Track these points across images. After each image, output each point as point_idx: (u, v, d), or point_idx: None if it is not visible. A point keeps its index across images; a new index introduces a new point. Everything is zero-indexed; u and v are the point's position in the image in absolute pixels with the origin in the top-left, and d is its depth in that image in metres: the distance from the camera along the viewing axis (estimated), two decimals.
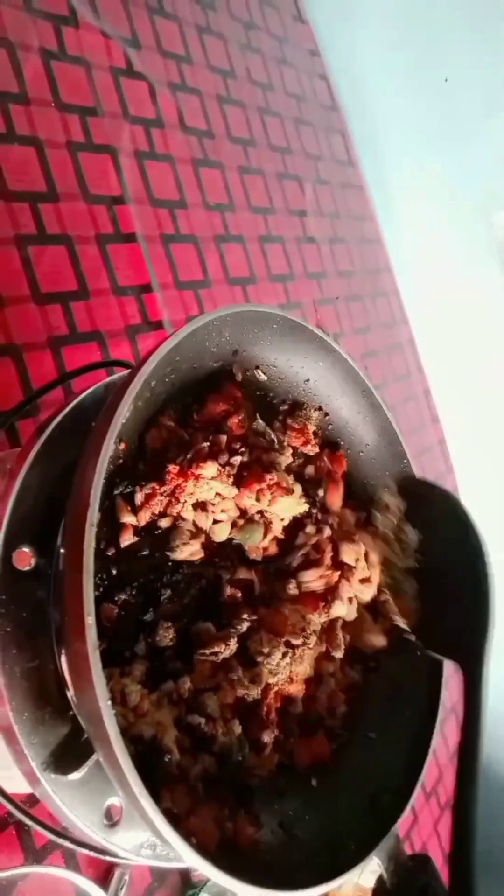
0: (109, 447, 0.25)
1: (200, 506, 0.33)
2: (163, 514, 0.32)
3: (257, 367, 0.40)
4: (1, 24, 0.70)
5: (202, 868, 0.25)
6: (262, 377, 0.41)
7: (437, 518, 0.40)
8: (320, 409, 0.44)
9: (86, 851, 0.34)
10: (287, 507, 0.37)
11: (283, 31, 1.13)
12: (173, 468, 0.31)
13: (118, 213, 0.78)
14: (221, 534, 0.35)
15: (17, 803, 0.32)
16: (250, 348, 0.39)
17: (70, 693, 0.30)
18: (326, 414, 0.44)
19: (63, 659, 0.30)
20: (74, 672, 0.24)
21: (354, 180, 1.22)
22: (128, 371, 0.31)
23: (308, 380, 0.43)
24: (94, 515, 0.24)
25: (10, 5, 0.71)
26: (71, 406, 0.35)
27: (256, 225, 0.99)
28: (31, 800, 0.37)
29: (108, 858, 0.33)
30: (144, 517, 0.31)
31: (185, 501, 0.32)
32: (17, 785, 0.35)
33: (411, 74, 1.20)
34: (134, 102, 0.83)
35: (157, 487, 0.31)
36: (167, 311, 0.81)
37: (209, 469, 0.32)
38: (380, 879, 0.36)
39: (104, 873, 0.61)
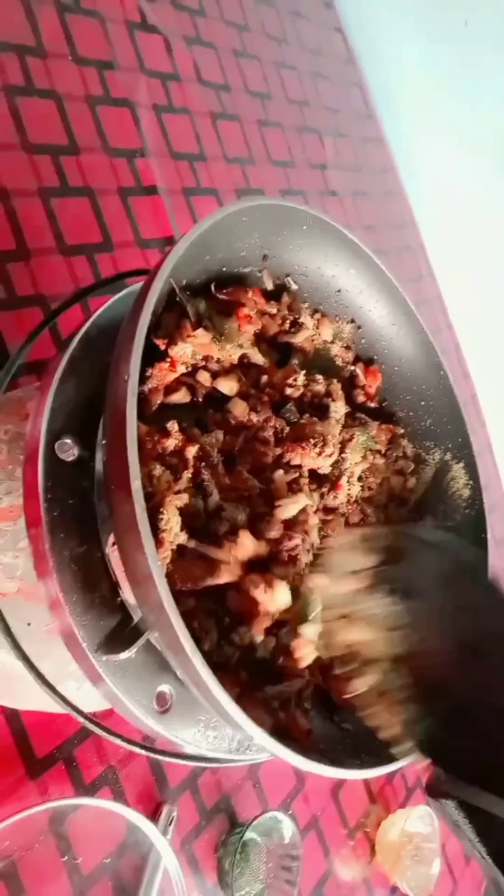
0: (146, 320, 0.25)
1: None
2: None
3: (288, 276, 0.40)
4: None
5: (264, 741, 0.25)
6: (293, 286, 0.40)
7: None
8: (353, 321, 0.44)
9: (140, 750, 0.34)
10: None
11: None
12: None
13: (139, 165, 0.78)
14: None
15: (80, 710, 0.33)
16: (280, 253, 0.38)
17: (119, 582, 0.30)
18: (359, 327, 0.44)
19: (109, 548, 0.30)
20: (123, 538, 0.24)
21: (374, 133, 1.20)
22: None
23: (340, 290, 0.42)
24: (136, 367, 0.24)
25: None
26: (98, 312, 0.35)
27: (277, 178, 0.98)
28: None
29: (163, 756, 0.34)
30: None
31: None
32: (82, 702, 0.36)
33: (428, 20, 1.17)
34: (150, 56, 0.83)
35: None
36: None
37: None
38: (434, 775, 0.36)
39: (154, 810, 0.62)
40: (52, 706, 0.45)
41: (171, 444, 0.29)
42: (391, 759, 0.31)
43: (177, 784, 0.64)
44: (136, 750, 0.34)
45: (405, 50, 1.23)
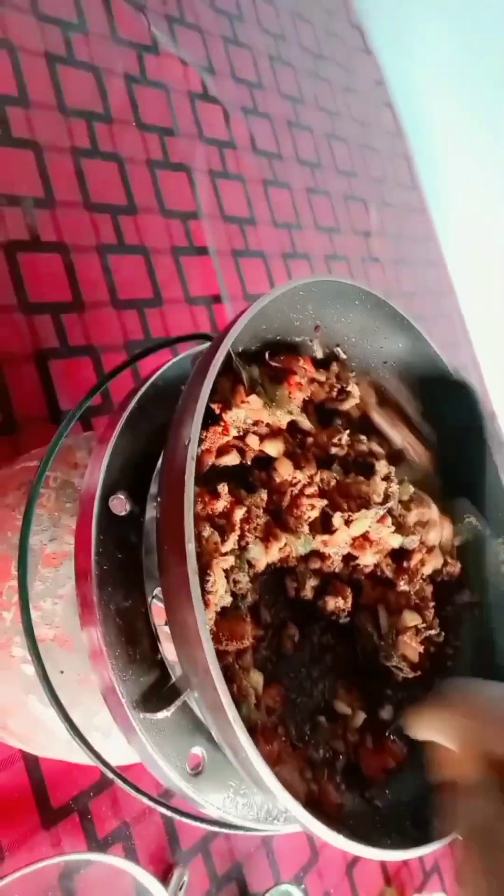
0: (208, 387, 0.26)
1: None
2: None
3: (338, 345, 0.41)
4: (89, 52, 0.75)
5: (297, 812, 0.25)
6: (343, 355, 0.42)
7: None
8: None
9: (165, 810, 0.34)
10: None
11: (349, 61, 1.17)
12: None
13: (192, 227, 0.81)
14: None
15: (107, 762, 0.33)
16: (332, 325, 0.39)
17: (160, 639, 0.31)
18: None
19: (152, 605, 0.31)
20: (173, 598, 0.25)
21: (417, 203, 1.24)
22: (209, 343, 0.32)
23: (386, 361, 0.43)
24: (197, 431, 0.25)
25: (97, 35, 0.76)
26: (159, 373, 0.36)
27: (322, 243, 1.01)
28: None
29: (187, 819, 0.33)
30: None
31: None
32: (106, 757, 0.36)
33: (475, 99, 1.22)
34: (208, 125, 0.87)
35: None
36: None
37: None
38: None
39: (164, 872, 0.61)
40: (75, 756, 0.45)
41: (220, 505, 0.29)
42: (421, 841, 0.31)
43: (189, 847, 0.63)
44: (161, 809, 0.33)
45: (451, 125, 1.27)
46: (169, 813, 0.32)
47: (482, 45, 1.22)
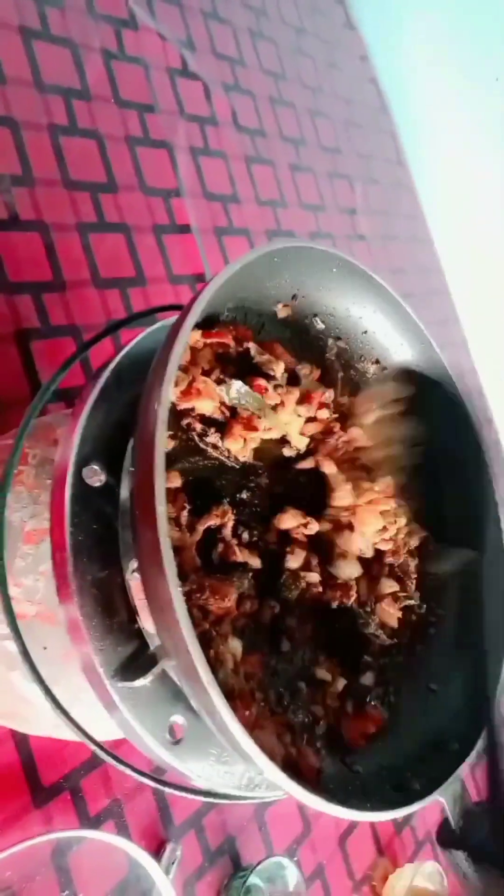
0: (180, 349, 0.26)
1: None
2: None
3: (315, 315, 0.41)
4: (65, 26, 0.73)
5: (274, 776, 0.25)
6: (320, 325, 0.41)
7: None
8: (377, 362, 0.44)
9: (148, 781, 0.34)
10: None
11: (333, 36, 1.16)
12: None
13: (174, 205, 0.80)
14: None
15: (100, 743, 0.33)
16: (310, 293, 0.39)
17: (137, 608, 0.31)
18: (384, 368, 0.44)
19: (129, 574, 0.30)
20: (146, 564, 0.25)
21: (404, 180, 1.23)
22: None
23: (366, 331, 0.43)
24: (165, 410, 0.24)
25: (73, 9, 0.75)
26: (133, 343, 0.36)
27: (307, 221, 1.00)
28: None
29: (170, 789, 0.33)
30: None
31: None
32: (91, 730, 0.36)
33: (460, 74, 1.21)
34: (189, 101, 0.86)
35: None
36: None
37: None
38: (445, 822, 0.35)
39: (157, 847, 0.61)
40: (62, 733, 0.45)
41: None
42: (401, 803, 0.31)
43: (181, 822, 0.63)
44: (146, 781, 0.33)
45: (437, 100, 1.26)
46: (153, 784, 0.32)
47: (467, 19, 1.21)
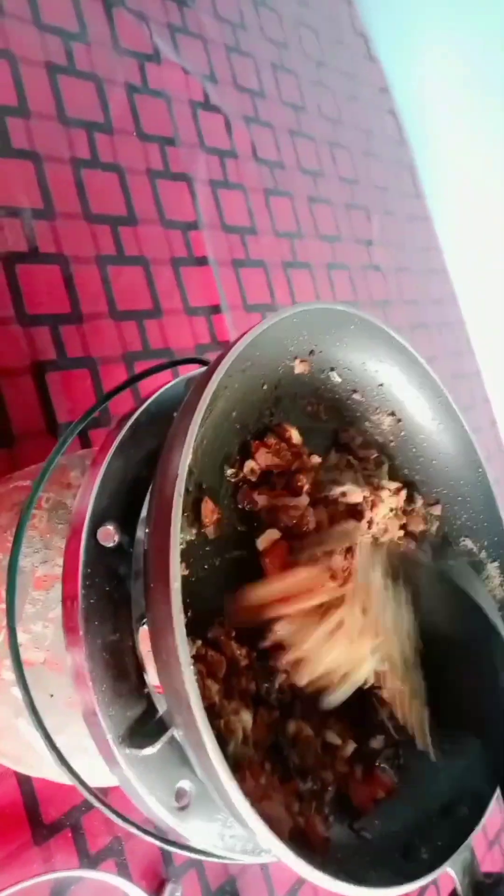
0: (198, 418, 0.26)
1: None
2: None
3: (332, 369, 0.41)
4: (90, 61, 0.74)
5: (279, 852, 0.25)
6: (337, 379, 0.41)
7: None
8: (393, 414, 0.44)
9: (152, 840, 0.34)
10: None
11: (353, 68, 1.17)
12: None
13: (192, 237, 0.81)
14: None
15: (94, 790, 0.33)
16: (327, 349, 0.39)
17: (146, 670, 0.30)
18: (399, 420, 0.44)
19: (140, 636, 0.30)
20: (156, 636, 0.25)
21: (420, 212, 1.23)
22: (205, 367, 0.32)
23: (382, 384, 0.43)
24: (181, 482, 0.24)
25: (98, 44, 0.76)
26: (153, 398, 0.36)
27: (323, 252, 1.01)
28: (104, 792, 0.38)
29: (174, 848, 0.33)
30: None
31: None
32: (94, 777, 0.36)
33: (478, 107, 1.21)
34: (210, 134, 0.87)
35: None
36: (235, 332, 0.83)
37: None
38: (453, 893, 0.35)
39: (157, 887, 0.61)
40: (64, 779, 0.45)
41: None
42: (409, 876, 0.31)
43: (182, 862, 0.62)
44: (150, 839, 0.33)
45: (455, 134, 1.27)
46: (156, 842, 0.32)
47: (487, 54, 1.22)
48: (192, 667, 0.24)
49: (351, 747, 0.35)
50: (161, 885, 0.61)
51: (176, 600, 0.24)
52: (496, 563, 0.46)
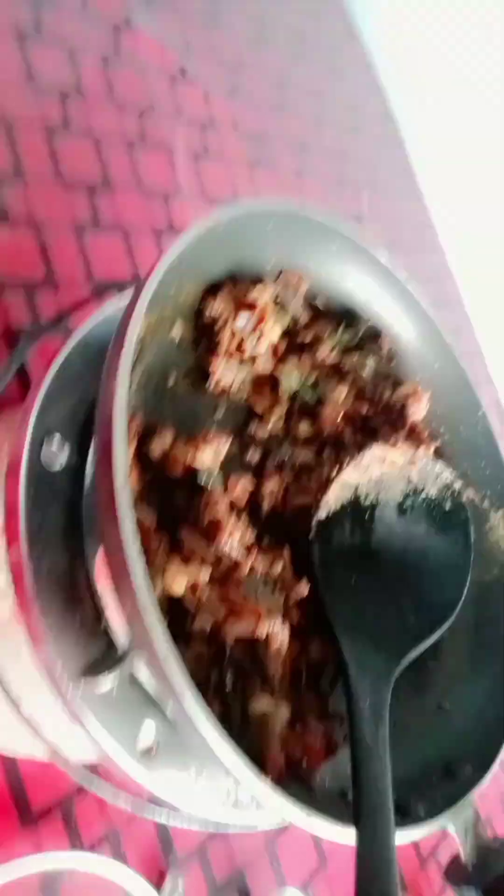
0: (133, 332, 0.23)
1: None
2: None
3: (315, 297, 0.37)
4: (60, 29, 0.73)
5: (257, 790, 0.22)
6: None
7: None
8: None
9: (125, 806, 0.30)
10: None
11: (336, 43, 1.15)
12: None
13: (172, 207, 0.79)
14: None
15: (52, 743, 0.30)
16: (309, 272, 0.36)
17: (105, 608, 0.27)
18: (391, 359, 0.41)
19: (96, 568, 0.27)
20: (108, 545, 0.22)
21: (412, 189, 1.21)
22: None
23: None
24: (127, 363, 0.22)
25: (69, 11, 0.74)
26: (103, 310, 0.33)
27: None
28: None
29: (148, 815, 0.30)
30: None
31: None
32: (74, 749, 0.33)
33: (468, 81, 1.19)
34: (188, 105, 0.85)
35: None
36: None
37: None
38: (456, 857, 0.31)
39: (157, 879, 0.57)
40: (39, 752, 0.42)
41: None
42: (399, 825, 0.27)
43: (184, 853, 0.59)
44: (123, 805, 0.30)
45: (444, 107, 1.24)
46: (126, 806, 0.29)
47: (474, 25, 1.19)
48: (142, 557, 0.21)
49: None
50: (161, 877, 0.58)
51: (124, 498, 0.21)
52: (501, 513, 0.42)
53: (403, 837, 0.27)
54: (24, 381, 0.60)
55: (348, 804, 0.27)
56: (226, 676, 0.25)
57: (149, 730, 0.26)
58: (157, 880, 0.57)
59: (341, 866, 0.69)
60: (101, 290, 0.67)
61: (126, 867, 0.52)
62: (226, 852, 0.61)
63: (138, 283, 0.25)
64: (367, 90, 1.19)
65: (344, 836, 0.24)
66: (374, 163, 1.13)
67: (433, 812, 0.29)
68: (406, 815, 0.30)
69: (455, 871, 0.30)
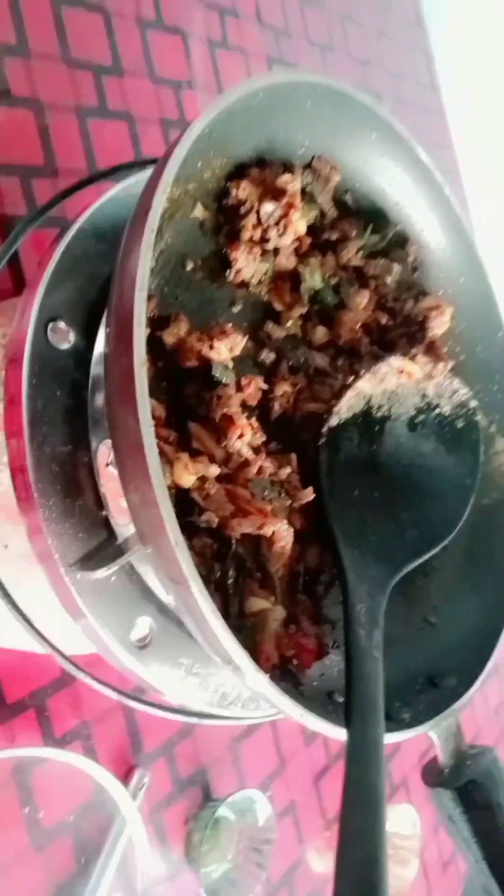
0: (158, 209, 0.21)
1: None
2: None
3: (347, 191, 0.35)
4: None
5: (255, 680, 0.21)
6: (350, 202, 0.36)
7: None
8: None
9: (115, 695, 0.30)
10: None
11: None
12: None
13: (184, 97, 0.74)
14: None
15: (40, 632, 0.29)
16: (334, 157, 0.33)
17: (107, 499, 0.26)
18: (415, 269, 0.39)
19: (99, 457, 0.26)
20: (119, 429, 0.20)
21: (435, 105, 1.15)
22: None
23: (398, 203, 0.37)
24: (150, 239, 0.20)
25: None
26: (118, 188, 0.30)
27: None
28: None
29: (133, 702, 0.30)
30: None
31: None
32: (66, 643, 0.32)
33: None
34: None
35: None
36: None
37: None
38: (433, 761, 0.32)
39: (125, 774, 0.59)
40: (25, 642, 0.42)
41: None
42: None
43: (152, 749, 0.61)
44: (108, 692, 0.30)
45: (475, 22, 1.17)
46: (114, 694, 0.29)
47: None
48: (159, 462, 0.20)
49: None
50: (129, 772, 0.59)
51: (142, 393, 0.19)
52: None
53: (390, 738, 0.27)
54: (16, 272, 0.57)
55: (336, 704, 0.27)
56: (228, 571, 0.25)
57: (143, 624, 0.26)
58: (126, 774, 0.59)
59: (299, 769, 0.72)
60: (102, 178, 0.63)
61: (94, 763, 0.53)
62: (191, 751, 0.63)
63: (168, 148, 0.23)
64: None
65: (332, 731, 0.24)
66: (398, 72, 1.07)
67: (417, 718, 0.30)
68: (390, 720, 0.30)
69: (431, 773, 0.31)
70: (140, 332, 0.19)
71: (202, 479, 0.24)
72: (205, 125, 0.23)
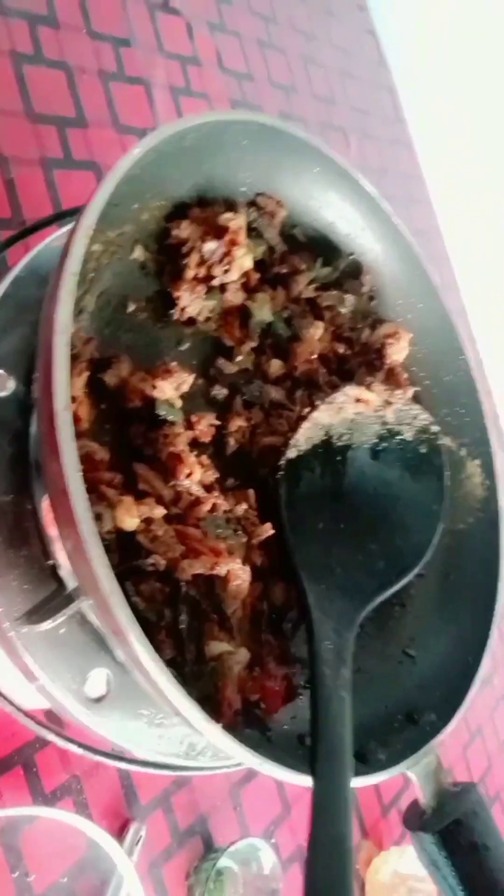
0: (77, 257, 0.21)
1: None
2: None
3: (295, 227, 0.35)
4: None
5: (206, 730, 0.21)
6: (301, 239, 0.36)
7: None
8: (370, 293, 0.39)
9: (76, 750, 0.29)
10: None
11: None
12: None
13: None
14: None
15: (26, 711, 0.28)
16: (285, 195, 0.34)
17: (55, 548, 0.26)
18: (372, 298, 0.39)
19: (45, 506, 0.26)
20: (51, 480, 0.20)
21: (402, 137, 1.17)
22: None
23: (352, 254, 0.37)
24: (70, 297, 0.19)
25: None
26: (49, 240, 0.30)
27: None
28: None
29: (96, 757, 0.29)
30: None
31: None
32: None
33: (463, 31, 1.15)
34: (169, 39, 0.80)
35: None
36: None
37: None
38: (415, 803, 0.30)
39: (121, 828, 0.57)
40: None
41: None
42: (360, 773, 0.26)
43: (147, 801, 0.59)
44: (67, 745, 0.29)
45: (437, 57, 1.20)
46: (76, 749, 0.28)
47: None
48: (80, 477, 0.19)
49: None
50: (124, 826, 0.57)
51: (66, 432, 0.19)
52: (478, 462, 0.41)
53: (363, 782, 0.26)
54: None
55: (307, 748, 0.26)
56: (180, 615, 0.24)
57: (99, 676, 0.25)
58: (121, 828, 0.57)
59: (304, 813, 0.69)
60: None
61: (86, 819, 0.51)
62: (189, 800, 0.61)
63: (89, 195, 0.23)
64: (360, 33, 1.14)
65: (298, 780, 0.23)
66: (363, 109, 1.09)
67: (394, 758, 0.29)
68: (365, 761, 0.29)
69: (413, 817, 0.30)
70: (62, 376, 0.19)
71: (148, 521, 0.24)
72: (125, 170, 0.23)
